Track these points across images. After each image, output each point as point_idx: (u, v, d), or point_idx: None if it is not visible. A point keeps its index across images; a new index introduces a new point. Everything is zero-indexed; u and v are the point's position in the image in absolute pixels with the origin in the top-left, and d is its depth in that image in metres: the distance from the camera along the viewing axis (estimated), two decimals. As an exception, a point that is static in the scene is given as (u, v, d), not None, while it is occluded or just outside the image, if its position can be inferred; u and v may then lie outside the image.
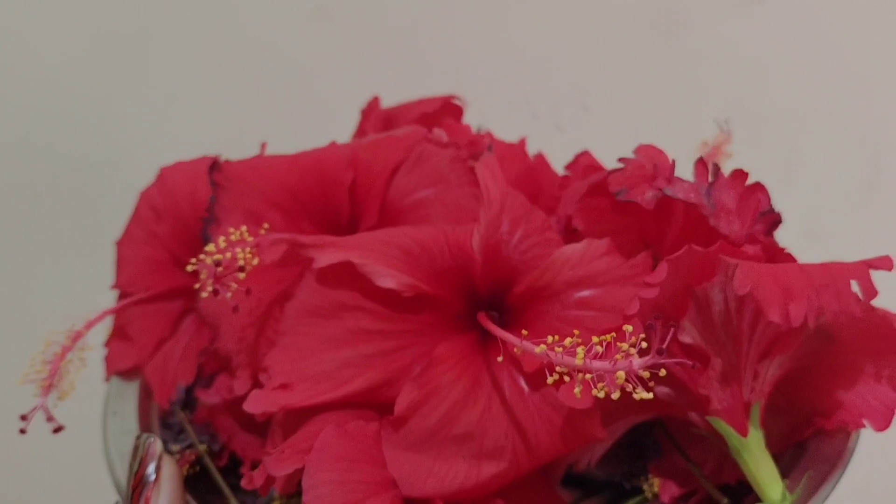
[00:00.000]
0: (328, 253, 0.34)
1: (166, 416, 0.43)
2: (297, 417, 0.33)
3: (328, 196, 0.42)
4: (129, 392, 0.44)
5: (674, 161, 0.38)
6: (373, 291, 0.34)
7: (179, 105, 0.73)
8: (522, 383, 0.34)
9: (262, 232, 0.36)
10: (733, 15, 0.60)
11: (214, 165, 0.42)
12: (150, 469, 0.33)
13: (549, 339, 0.28)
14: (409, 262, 0.35)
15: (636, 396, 0.26)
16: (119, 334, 0.45)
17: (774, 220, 0.38)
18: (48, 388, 0.37)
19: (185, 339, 0.45)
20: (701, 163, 0.37)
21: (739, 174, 0.37)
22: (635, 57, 0.56)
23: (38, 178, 0.72)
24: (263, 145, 0.45)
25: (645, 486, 0.39)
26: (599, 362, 0.27)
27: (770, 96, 0.55)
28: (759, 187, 0.37)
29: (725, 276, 0.31)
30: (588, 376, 0.28)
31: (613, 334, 0.27)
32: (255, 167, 0.42)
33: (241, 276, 0.33)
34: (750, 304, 0.33)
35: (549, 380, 0.28)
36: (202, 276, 0.33)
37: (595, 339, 0.27)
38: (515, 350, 0.30)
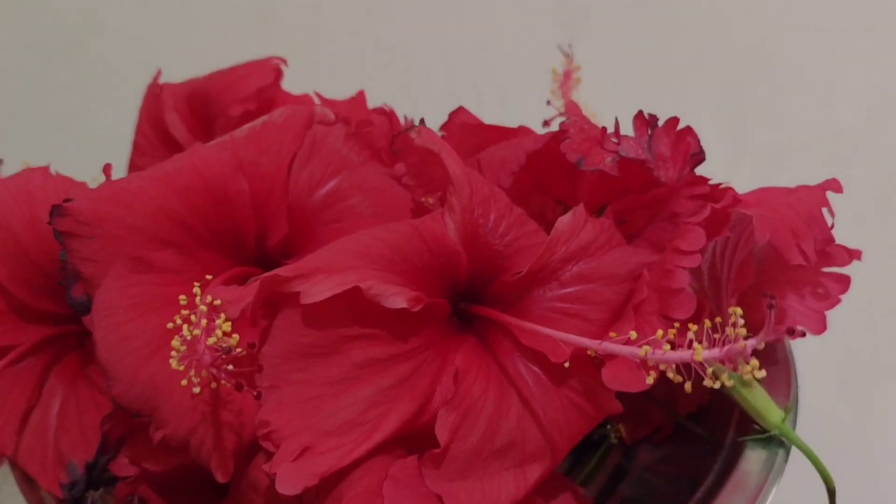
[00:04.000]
0: (320, 283, 0.28)
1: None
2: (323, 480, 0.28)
3: (225, 215, 0.34)
4: (6, 487, 0.34)
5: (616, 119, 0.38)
6: (372, 315, 0.29)
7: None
8: (542, 375, 0.32)
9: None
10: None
11: (56, 211, 0.32)
12: None
13: (659, 333, 0.27)
14: (396, 270, 0.31)
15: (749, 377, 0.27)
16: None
17: (700, 160, 0.39)
18: None
19: (56, 403, 0.36)
20: (640, 116, 0.37)
21: (672, 122, 0.37)
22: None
23: None
24: (107, 168, 0.35)
25: (611, 434, 0.40)
26: (715, 352, 0.26)
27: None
28: (688, 132, 0.38)
29: (740, 227, 0.32)
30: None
31: (714, 320, 0.27)
32: (118, 199, 0.33)
33: (238, 349, 0.27)
34: (729, 247, 0.34)
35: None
36: (192, 377, 0.26)
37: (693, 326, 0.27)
38: (589, 352, 0.28)
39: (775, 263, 0.38)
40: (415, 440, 0.30)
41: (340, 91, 0.44)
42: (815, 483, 0.33)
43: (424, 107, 0.41)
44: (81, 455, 0.34)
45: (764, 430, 0.35)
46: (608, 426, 0.40)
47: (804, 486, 0.35)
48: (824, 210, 0.34)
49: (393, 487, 0.28)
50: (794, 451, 0.35)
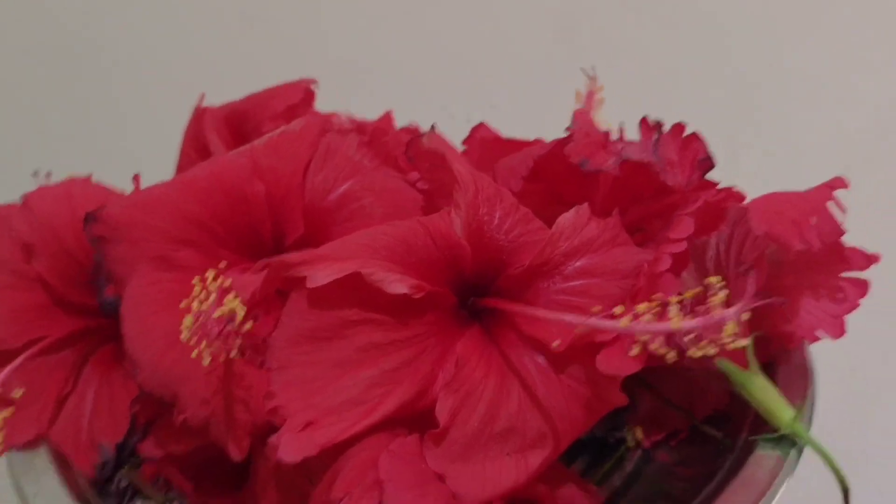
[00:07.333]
0: (324, 268, 0.30)
1: (102, 483, 0.36)
2: (327, 455, 0.30)
3: (242, 216, 0.37)
4: (41, 465, 0.36)
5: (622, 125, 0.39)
6: (375, 301, 0.31)
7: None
8: (544, 363, 0.33)
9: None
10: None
11: (90, 217, 0.35)
12: None
13: (641, 307, 0.27)
14: (401, 262, 0.32)
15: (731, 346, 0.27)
16: (3, 402, 0.37)
17: (709, 166, 0.39)
18: None
19: (91, 390, 0.38)
20: (645, 122, 0.38)
21: (678, 127, 0.38)
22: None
23: None
24: (136, 178, 0.38)
25: (628, 437, 0.40)
26: (693, 321, 0.27)
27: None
28: (695, 138, 0.39)
29: (734, 221, 0.32)
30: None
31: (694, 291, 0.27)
32: (144, 205, 0.36)
33: (247, 325, 0.29)
34: (734, 244, 0.35)
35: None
36: (202, 348, 0.28)
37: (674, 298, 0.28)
38: (576, 330, 0.29)
39: (792, 268, 0.39)
40: (418, 423, 0.31)
41: (330, 104, 0.47)
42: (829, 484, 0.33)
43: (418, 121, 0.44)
44: (112, 438, 0.36)
45: (777, 431, 0.35)
46: (625, 429, 0.40)
47: (818, 487, 0.35)
48: (831, 205, 0.34)
49: (389, 461, 0.29)
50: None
